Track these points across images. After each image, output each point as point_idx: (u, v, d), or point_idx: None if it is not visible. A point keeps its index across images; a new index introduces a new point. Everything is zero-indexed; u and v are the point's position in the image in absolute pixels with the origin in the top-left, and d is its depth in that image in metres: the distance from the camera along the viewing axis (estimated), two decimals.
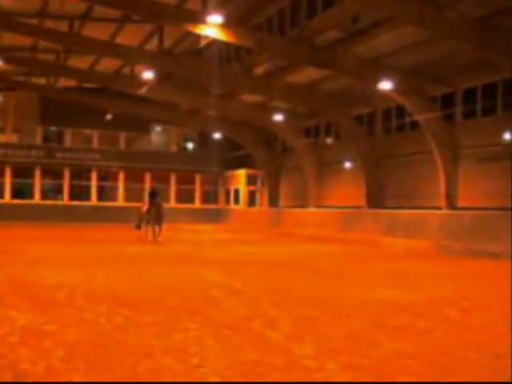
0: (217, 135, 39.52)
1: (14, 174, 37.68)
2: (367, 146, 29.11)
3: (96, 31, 25.91)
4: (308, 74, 25.90)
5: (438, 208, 23.76)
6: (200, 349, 5.13)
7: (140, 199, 39.41)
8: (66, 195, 38.74)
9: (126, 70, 31.89)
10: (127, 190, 39.97)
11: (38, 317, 6.41)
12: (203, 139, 41.92)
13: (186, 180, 41.46)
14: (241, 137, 38.77)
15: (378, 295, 8.50)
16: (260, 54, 25.84)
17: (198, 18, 20.89)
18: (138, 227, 20.68)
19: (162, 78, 30.27)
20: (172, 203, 38.81)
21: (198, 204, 41.85)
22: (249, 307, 7.36)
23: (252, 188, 40.63)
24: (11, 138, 38.60)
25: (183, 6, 22.73)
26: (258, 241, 22.82)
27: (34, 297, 7.82)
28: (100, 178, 39.78)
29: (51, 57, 31.53)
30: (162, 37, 25.62)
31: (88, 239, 21.47)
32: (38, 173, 38.30)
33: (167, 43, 26.68)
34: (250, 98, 31.67)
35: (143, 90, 30.53)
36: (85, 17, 25.20)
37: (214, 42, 26.81)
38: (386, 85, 22.86)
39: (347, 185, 31.45)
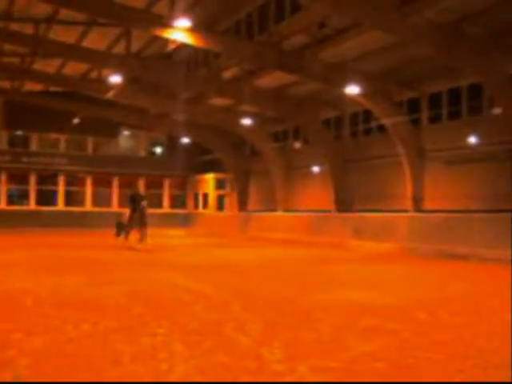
0: (185, 139, 39.44)
1: None
2: (335, 149, 29.36)
3: (62, 34, 25.60)
4: (276, 79, 26.00)
5: (406, 211, 24.06)
6: (169, 354, 5.09)
7: (108, 204, 39.28)
8: (32, 200, 38.17)
9: (94, 74, 31.59)
10: (95, 194, 39.59)
11: (3, 324, 6.29)
12: (172, 143, 41.77)
13: (154, 184, 41.23)
14: (209, 141, 38.71)
15: (346, 298, 8.54)
16: (228, 58, 25.86)
17: (165, 22, 20.80)
18: (118, 234, 20.22)
19: (130, 81, 30.05)
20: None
21: (166, 208, 41.66)
22: (218, 311, 7.33)
23: (221, 192, 40.61)
24: None
25: (151, 10, 22.62)
26: (227, 245, 22.78)
27: None
28: (67, 183, 39.31)
29: (16, 60, 31.05)
30: (129, 40, 25.43)
31: (56, 245, 21.16)
32: (3, 178, 37.67)
33: (135, 47, 26.50)
34: (218, 102, 31.64)
35: (111, 94, 30.27)
36: (51, 20, 24.87)
37: (182, 46, 26.73)
38: (353, 89, 23.10)
39: (316, 189, 31.65)
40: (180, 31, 20.93)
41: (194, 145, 40.20)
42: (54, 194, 38.72)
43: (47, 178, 38.75)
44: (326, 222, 23.86)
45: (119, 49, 26.95)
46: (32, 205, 38.00)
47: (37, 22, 24.85)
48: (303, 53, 22.53)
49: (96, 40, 26.50)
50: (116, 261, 14.89)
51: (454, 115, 23.79)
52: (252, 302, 8.15)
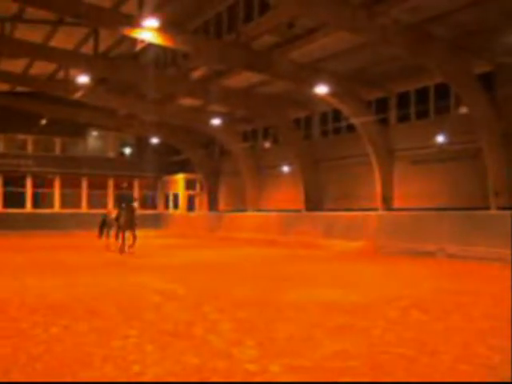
0: (154, 140, 39.20)
1: None
2: (305, 149, 29.46)
3: (28, 34, 25.21)
4: (246, 78, 25.98)
5: (376, 209, 24.27)
6: (140, 356, 5.06)
7: (77, 205, 38.84)
8: None
9: (61, 74, 31.17)
10: (64, 196, 39.09)
11: None
12: (141, 144, 41.47)
13: None
14: (179, 141, 38.55)
15: (317, 296, 8.59)
16: (197, 58, 25.75)
17: (134, 21, 20.62)
18: (100, 235, 19.86)
19: (98, 82, 29.75)
20: (110, 208, 38.13)
21: (136, 209, 41.23)
22: (189, 312, 7.31)
23: (191, 192, 40.47)
24: None
25: (119, 10, 22.43)
26: (198, 246, 22.72)
27: None
28: (35, 185, 38.74)
29: None
30: (97, 40, 25.16)
31: (23, 247, 20.86)
32: None
33: (103, 47, 26.24)
34: (187, 102, 31.50)
35: (78, 95, 29.91)
36: (16, 18, 24.47)
37: (150, 46, 26.56)
38: (322, 89, 23.21)
39: (286, 188, 31.73)
40: (148, 31, 20.76)
41: (164, 145, 39.98)
42: (21, 196, 38.11)
43: (14, 180, 38.12)
44: (296, 222, 23.93)
45: (87, 49, 26.65)
46: None
47: (2, 21, 24.44)
48: (272, 52, 22.56)
49: (63, 40, 26.14)
50: (84, 263, 14.73)
51: (422, 114, 24.07)
52: (224, 302, 8.15)
